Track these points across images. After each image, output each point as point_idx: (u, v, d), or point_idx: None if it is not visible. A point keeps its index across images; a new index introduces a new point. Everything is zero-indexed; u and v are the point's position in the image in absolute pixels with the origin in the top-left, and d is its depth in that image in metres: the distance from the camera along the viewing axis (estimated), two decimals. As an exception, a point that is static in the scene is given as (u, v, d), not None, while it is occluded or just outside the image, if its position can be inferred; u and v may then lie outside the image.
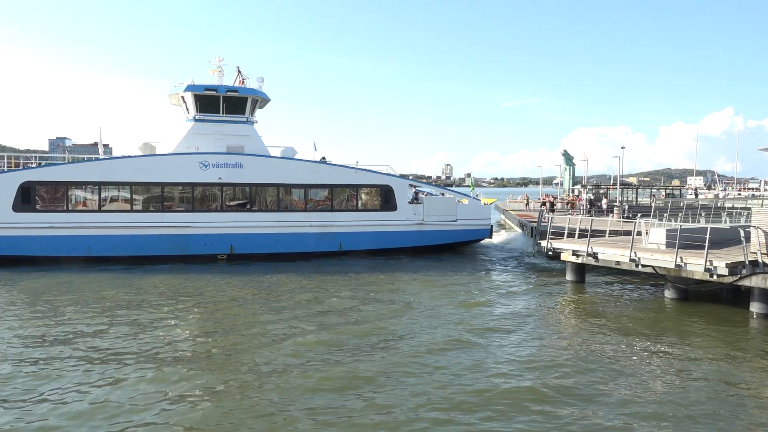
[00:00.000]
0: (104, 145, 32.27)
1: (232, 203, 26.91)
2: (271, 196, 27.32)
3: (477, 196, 32.04)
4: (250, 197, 26.94)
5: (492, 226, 31.26)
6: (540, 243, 22.88)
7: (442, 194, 31.43)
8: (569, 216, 26.05)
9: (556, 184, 73.31)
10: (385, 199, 28.42)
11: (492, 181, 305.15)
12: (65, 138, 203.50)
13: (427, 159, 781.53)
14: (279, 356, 12.15)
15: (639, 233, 19.76)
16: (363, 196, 28.67)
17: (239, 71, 29.21)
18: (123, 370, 11.36)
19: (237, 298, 18.24)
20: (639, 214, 23.13)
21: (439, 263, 25.75)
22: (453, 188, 38.08)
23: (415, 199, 29.69)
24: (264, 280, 21.32)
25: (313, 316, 15.46)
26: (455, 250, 29.93)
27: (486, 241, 31.29)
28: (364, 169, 28.54)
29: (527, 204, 47.61)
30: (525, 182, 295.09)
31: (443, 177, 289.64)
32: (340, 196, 28.28)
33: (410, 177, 38.47)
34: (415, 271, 23.55)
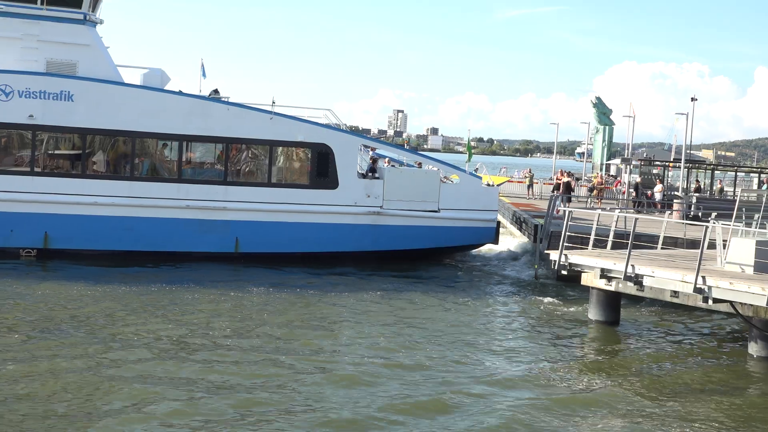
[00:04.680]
0: None
1: (52, 162, 26.87)
2: (120, 153, 27.23)
3: (476, 170, 31.53)
4: (83, 153, 26.73)
5: (498, 222, 31.05)
6: (548, 254, 22.89)
7: (419, 165, 31.13)
8: (598, 210, 25.76)
9: (581, 154, 74.24)
10: (319, 167, 27.94)
11: (474, 144, 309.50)
12: None
13: (364, 101, 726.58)
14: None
15: (713, 245, 19.55)
16: (281, 161, 28.57)
17: None
18: None
19: (31, 337, 16.90)
20: (714, 213, 22.94)
21: (406, 286, 25.09)
22: (431, 155, 37.95)
23: (372, 171, 29.14)
24: (90, 309, 19.89)
25: (174, 399, 13.73)
26: (433, 258, 29.35)
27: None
28: (285, 116, 28.06)
29: (530, 186, 47.88)
30: (528, 148, 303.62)
31: (390, 132, 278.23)
32: (240, 158, 28.20)
33: None
34: (364, 302, 22.51)
